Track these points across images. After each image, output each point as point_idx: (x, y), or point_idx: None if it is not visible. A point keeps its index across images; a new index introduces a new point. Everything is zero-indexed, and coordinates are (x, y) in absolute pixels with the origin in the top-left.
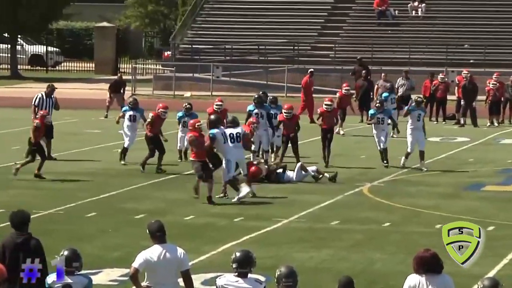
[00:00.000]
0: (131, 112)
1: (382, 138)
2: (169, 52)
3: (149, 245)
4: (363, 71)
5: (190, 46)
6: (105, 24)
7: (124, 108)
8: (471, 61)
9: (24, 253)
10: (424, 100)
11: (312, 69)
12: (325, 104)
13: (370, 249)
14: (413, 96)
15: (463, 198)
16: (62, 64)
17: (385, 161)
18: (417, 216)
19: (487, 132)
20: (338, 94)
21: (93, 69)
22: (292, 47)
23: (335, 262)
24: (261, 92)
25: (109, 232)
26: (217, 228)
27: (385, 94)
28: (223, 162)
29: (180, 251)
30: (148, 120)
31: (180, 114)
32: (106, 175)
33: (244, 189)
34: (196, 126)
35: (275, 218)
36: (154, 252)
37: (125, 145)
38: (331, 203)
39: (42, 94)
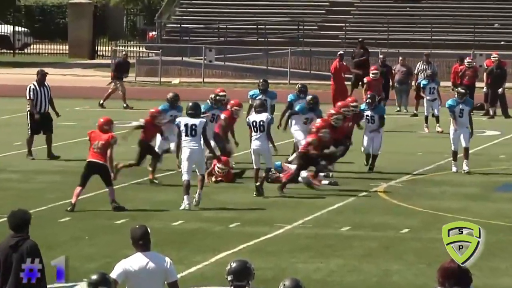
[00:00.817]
0: (172, 112)
1: (367, 141)
2: (154, 33)
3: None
4: (362, 56)
5: (179, 25)
6: (80, 0)
7: (163, 106)
8: (502, 42)
9: (17, 255)
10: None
11: (342, 52)
12: (351, 106)
13: (385, 259)
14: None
15: (493, 200)
16: (32, 47)
17: (370, 166)
18: (440, 221)
19: None
20: (365, 80)
21: (67, 52)
22: (296, 27)
23: (345, 274)
24: (261, 80)
25: (85, 240)
26: (210, 235)
27: (424, 82)
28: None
29: (166, 260)
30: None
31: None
32: (81, 174)
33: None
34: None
35: (277, 223)
36: (135, 261)
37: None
38: (341, 206)
39: (34, 84)
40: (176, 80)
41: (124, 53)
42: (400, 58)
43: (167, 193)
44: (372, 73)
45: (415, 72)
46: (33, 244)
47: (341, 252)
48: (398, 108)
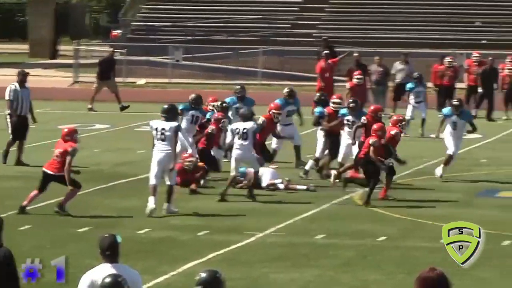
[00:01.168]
0: (193, 112)
1: (345, 149)
2: (118, 31)
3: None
4: (324, 52)
5: (145, 23)
6: None
7: (183, 106)
8: (484, 41)
9: None
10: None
11: (327, 51)
12: (333, 102)
13: (363, 268)
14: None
15: (475, 206)
16: None
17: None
18: (420, 228)
19: (503, 127)
20: (348, 85)
21: (27, 51)
22: (268, 25)
23: (322, 284)
24: (239, 87)
25: (46, 249)
26: (178, 244)
27: (410, 85)
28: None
29: (132, 272)
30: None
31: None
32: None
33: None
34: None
35: (248, 231)
36: (100, 272)
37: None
38: (316, 213)
39: (14, 84)
40: (142, 81)
41: (112, 50)
42: (377, 57)
43: (133, 200)
44: (357, 78)
45: (393, 72)
46: (7, 251)
47: (316, 261)
48: None
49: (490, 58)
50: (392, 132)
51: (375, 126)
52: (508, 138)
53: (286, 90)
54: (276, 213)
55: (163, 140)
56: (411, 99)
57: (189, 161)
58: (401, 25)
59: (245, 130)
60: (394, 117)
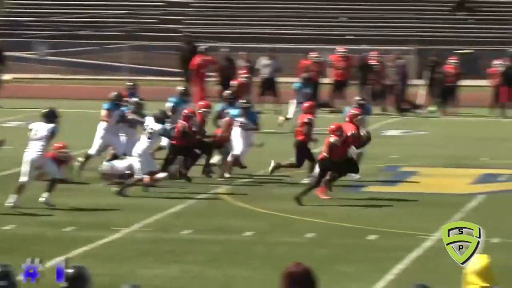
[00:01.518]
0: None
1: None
2: None
3: None
4: (192, 52)
5: (8, 18)
6: None
7: (108, 105)
8: (348, 37)
9: None
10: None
11: (206, 46)
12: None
13: (229, 264)
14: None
15: (341, 201)
16: None
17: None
18: (287, 223)
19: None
20: (236, 82)
21: None
22: (134, 20)
23: (188, 280)
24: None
25: None
26: (43, 240)
27: (298, 85)
28: None
29: None
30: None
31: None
32: None
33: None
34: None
35: (114, 226)
36: None
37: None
38: (184, 209)
39: None
40: (7, 76)
41: None
42: (243, 52)
43: None
44: (244, 77)
45: (257, 67)
46: None
47: (182, 257)
48: None
49: (348, 52)
50: (349, 134)
51: (332, 126)
52: (373, 134)
53: (180, 88)
54: (144, 208)
55: (38, 140)
56: (298, 99)
57: (63, 152)
58: (267, 20)
59: (151, 130)
60: (352, 111)
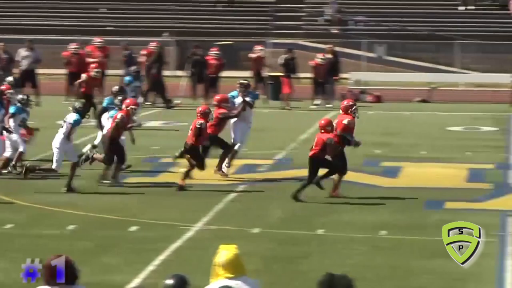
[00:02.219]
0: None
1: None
2: None
3: None
4: None
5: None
6: None
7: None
8: (109, 28)
9: None
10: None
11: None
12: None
13: None
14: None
15: (102, 193)
16: None
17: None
18: (47, 216)
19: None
20: (84, 76)
21: None
22: None
23: None
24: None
25: None
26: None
27: (128, 78)
28: None
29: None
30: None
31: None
32: None
33: None
34: None
35: None
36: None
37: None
38: None
39: None
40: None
41: None
42: (1, 44)
43: None
44: (95, 72)
45: (17, 59)
46: None
47: None
48: None
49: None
50: (345, 122)
51: (322, 122)
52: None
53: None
54: None
55: None
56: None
57: None
58: (26, 11)
59: (65, 120)
60: (345, 102)
